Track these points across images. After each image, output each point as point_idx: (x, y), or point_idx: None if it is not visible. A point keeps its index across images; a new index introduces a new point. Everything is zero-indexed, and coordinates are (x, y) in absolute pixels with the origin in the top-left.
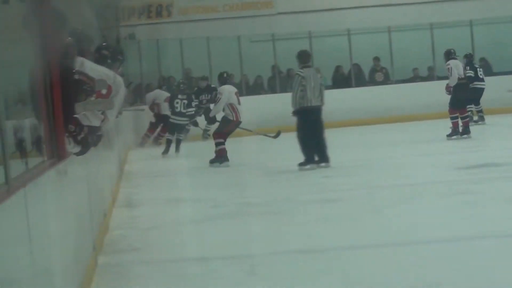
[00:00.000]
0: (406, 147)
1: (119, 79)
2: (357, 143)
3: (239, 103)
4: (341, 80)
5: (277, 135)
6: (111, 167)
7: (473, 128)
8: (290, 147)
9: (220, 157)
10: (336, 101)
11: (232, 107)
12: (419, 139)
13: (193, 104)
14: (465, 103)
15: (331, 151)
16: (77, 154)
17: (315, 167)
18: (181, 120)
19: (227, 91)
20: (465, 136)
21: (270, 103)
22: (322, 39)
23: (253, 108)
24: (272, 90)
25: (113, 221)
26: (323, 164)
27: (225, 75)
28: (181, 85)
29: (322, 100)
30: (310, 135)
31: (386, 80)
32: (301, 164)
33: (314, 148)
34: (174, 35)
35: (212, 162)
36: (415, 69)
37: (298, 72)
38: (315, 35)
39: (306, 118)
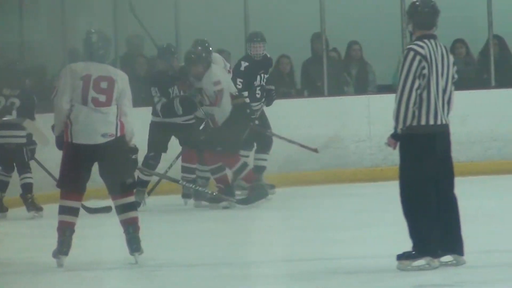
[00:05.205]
0: None
1: None
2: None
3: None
4: None
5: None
6: None
7: None
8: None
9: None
10: None
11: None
12: None
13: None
14: None
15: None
16: None
17: (435, 265)
18: None
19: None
20: None
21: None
22: None
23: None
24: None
25: None
26: (451, 260)
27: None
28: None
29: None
30: (429, 190)
31: None
32: (404, 257)
33: (435, 222)
34: None
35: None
36: None
37: (412, 46)
38: None
39: (423, 154)
